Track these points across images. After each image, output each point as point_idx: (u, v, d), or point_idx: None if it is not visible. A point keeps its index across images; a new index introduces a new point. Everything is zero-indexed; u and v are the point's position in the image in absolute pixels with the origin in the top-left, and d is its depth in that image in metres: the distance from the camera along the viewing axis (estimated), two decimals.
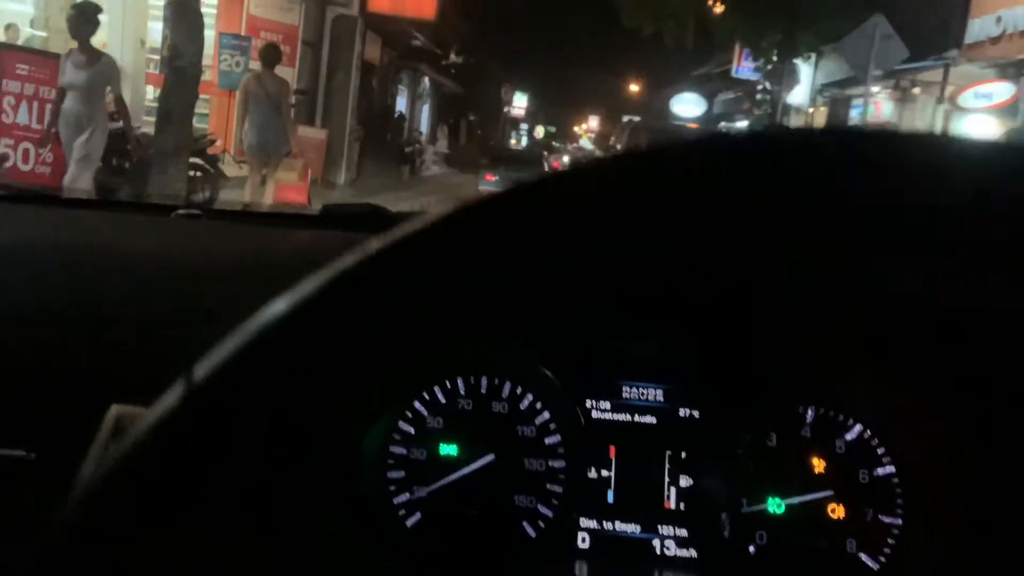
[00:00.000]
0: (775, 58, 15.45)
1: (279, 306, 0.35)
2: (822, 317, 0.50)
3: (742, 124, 22.62)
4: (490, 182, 15.62)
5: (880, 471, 0.72)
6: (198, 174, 7.81)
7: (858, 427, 0.73)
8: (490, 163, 16.75)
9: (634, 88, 46.67)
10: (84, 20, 5.61)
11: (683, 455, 0.74)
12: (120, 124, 7.26)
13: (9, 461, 0.58)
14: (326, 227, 1.12)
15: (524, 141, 47.89)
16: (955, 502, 0.64)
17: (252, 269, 0.81)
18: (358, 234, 0.85)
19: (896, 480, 0.71)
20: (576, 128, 78.57)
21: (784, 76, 14.09)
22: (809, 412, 0.74)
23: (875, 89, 14.12)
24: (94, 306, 0.72)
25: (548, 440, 0.74)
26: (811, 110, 15.97)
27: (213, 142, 7.83)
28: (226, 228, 1.11)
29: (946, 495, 0.66)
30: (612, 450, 0.74)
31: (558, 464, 0.73)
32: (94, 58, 5.65)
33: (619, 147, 9.80)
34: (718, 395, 0.74)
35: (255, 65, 11.55)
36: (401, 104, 21.34)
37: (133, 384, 0.55)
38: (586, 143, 75.26)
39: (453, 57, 28.83)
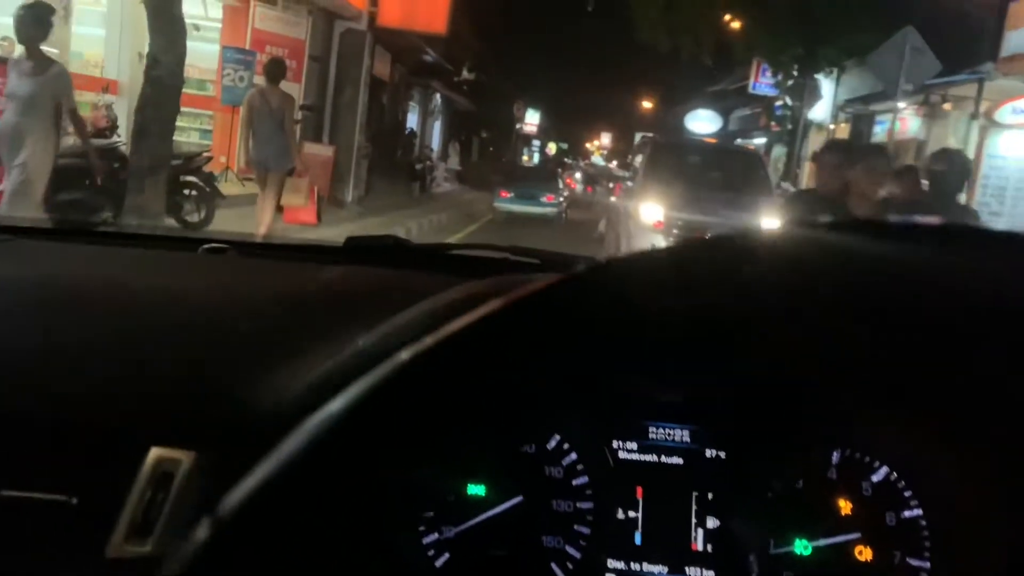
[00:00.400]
0: (795, 73, 14.96)
1: (366, 385, 0.37)
2: (847, 362, 0.45)
3: (759, 141, 22.09)
4: (505, 199, 15.56)
5: (907, 513, 0.70)
6: (193, 193, 7.36)
7: (884, 469, 0.71)
8: (505, 179, 16.46)
9: (647, 105, 46.30)
10: (35, 22, 4.90)
11: (710, 496, 0.71)
12: (110, 140, 6.88)
13: (50, 505, 0.56)
14: (350, 260, 1.14)
15: (536, 158, 47.65)
16: (983, 544, 0.63)
17: (283, 308, 0.82)
18: (382, 269, 1.06)
19: (924, 523, 0.69)
20: (588, 145, 78.37)
21: (806, 92, 13.57)
22: (835, 454, 0.73)
23: (901, 105, 13.57)
24: (129, 347, 0.70)
25: (576, 481, 0.73)
26: (832, 127, 15.43)
27: (209, 159, 7.37)
28: (254, 264, 1.11)
29: (974, 538, 0.64)
30: (639, 491, 0.72)
31: (586, 505, 0.72)
32: (43, 66, 4.88)
33: (636, 163, 9.35)
34: (744, 436, 0.73)
35: (260, 80, 11.18)
36: (412, 121, 20.97)
37: (172, 426, 0.56)
38: (598, 159, 75.16)
39: (465, 74, 28.55)
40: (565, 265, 1.13)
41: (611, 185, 24.75)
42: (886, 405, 0.63)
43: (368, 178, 14.14)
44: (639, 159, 8.43)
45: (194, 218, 7.32)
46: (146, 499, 0.54)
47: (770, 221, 6.81)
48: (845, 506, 0.71)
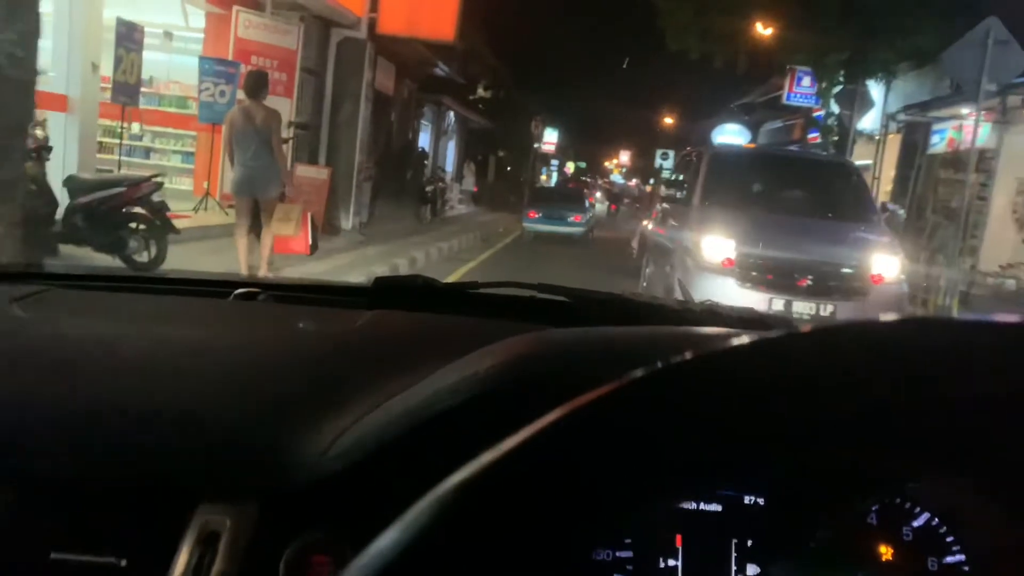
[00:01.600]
0: (842, 80, 13.45)
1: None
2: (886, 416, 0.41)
3: None
4: (533, 219, 15.64)
5: (949, 559, 0.66)
6: (140, 227, 5.99)
7: (926, 515, 0.68)
8: (532, 201, 16.71)
9: (668, 121, 44.79)
10: None
11: (749, 543, 0.68)
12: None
13: (98, 568, 0.56)
14: (379, 301, 1.11)
15: (555, 177, 46.46)
16: None
17: (318, 358, 0.81)
18: (412, 312, 1.04)
19: (967, 568, 0.65)
20: (607, 163, 77.06)
21: (856, 99, 12.05)
22: (875, 501, 0.70)
23: (965, 111, 11.99)
24: (169, 403, 0.68)
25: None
26: (877, 136, 13.86)
27: (159, 186, 5.99)
28: (285, 310, 1.08)
29: None
30: (679, 539, 0.68)
31: (625, 554, 0.68)
32: None
33: (675, 180, 7.94)
34: (783, 481, 0.69)
35: (241, 94, 9.86)
36: (424, 140, 19.67)
37: (217, 483, 0.55)
38: (617, 178, 73.90)
39: (480, 91, 27.32)
40: (595, 303, 1.10)
41: (636, 205, 23.34)
42: (931, 462, 0.54)
43: (372, 202, 12.77)
44: (684, 175, 6.91)
45: (143, 257, 5.95)
46: (194, 559, 0.53)
47: (884, 259, 5.18)
48: (886, 552, 0.67)
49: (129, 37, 7.89)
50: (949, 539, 0.66)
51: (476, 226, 17.02)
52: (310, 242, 8.09)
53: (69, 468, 0.60)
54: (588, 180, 44.31)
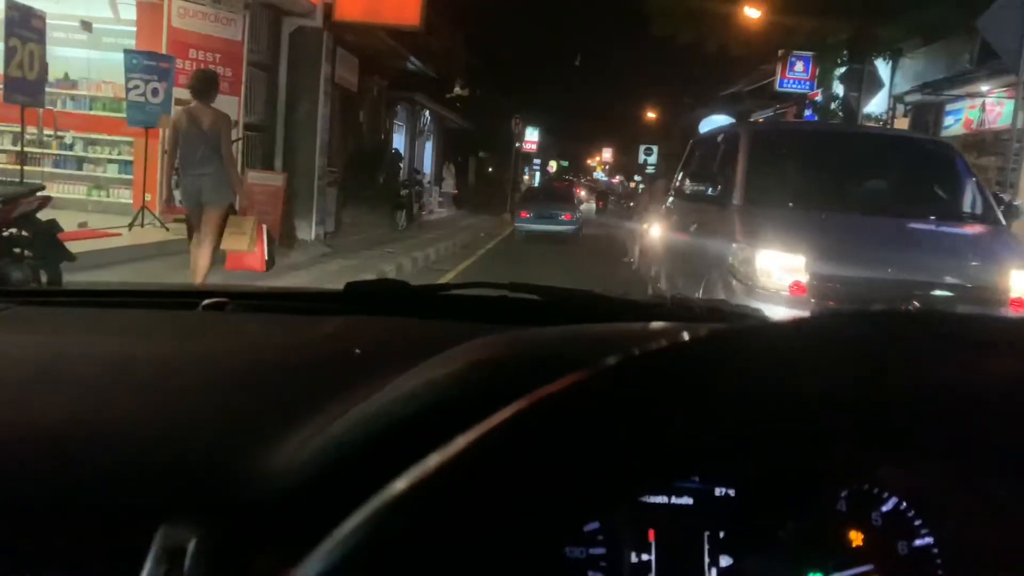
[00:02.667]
0: (843, 60, 12.32)
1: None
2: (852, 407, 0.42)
3: None
4: (525, 219, 15.67)
5: (919, 542, 0.67)
6: (25, 253, 4.71)
7: (894, 499, 0.68)
8: (524, 202, 16.89)
9: (651, 115, 43.66)
10: None
11: (722, 535, 0.67)
12: None
13: None
14: (351, 307, 1.10)
15: (537, 177, 45.36)
16: (997, 571, 0.61)
17: (286, 368, 0.79)
18: (382, 318, 1.02)
19: (936, 551, 0.66)
20: (589, 161, 76.06)
21: (864, 79, 10.92)
22: (844, 487, 0.70)
23: (984, 88, 10.86)
24: (131, 419, 0.66)
25: (588, 527, 0.68)
26: (884, 120, 12.72)
27: (42, 203, 4.71)
28: (253, 319, 1.06)
29: (987, 564, 0.62)
30: (652, 534, 0.67)
31: (598, 551, 0.67)
32: None
33: (685, 174, 6.77)
34: (751, 472, 0.69)
35: (182, 94, 8.56)
36: (398, 141, 18.38)
37: (180, 501, 0.54)
38: (600, 175, 72.92)
39: (458, 89, 26.06)
40: (567, 300, 1.10)
41: (627, 203, 21.99)
42: (900, 449, 0.54)
43: (339, 210, 11.50)
44: (711, 165, 5.39)
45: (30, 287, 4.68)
46: None
47: None
48: (856, 538, 0.67)
49: (24, 24, 6.57)
50: (917, 522, 0.66)
51: (456, 231, 15.77)
52: (266, 258, 6.99)
53: (26, 489, 0.57)
54: (571, 179, 43.27)
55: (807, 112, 17.53)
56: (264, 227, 7.13)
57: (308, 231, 10.05)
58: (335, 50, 10.38)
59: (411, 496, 0.32)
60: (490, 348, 0.67)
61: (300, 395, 0.67)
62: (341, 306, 1.10)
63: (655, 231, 6.97)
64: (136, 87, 7.97)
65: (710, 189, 4.56)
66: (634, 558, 0.67)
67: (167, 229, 8.13)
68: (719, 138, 5.48)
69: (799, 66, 17.70)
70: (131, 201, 9.10)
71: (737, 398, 0.35)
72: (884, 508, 0.68)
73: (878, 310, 0.39)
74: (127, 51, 8.05)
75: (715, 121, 24.51)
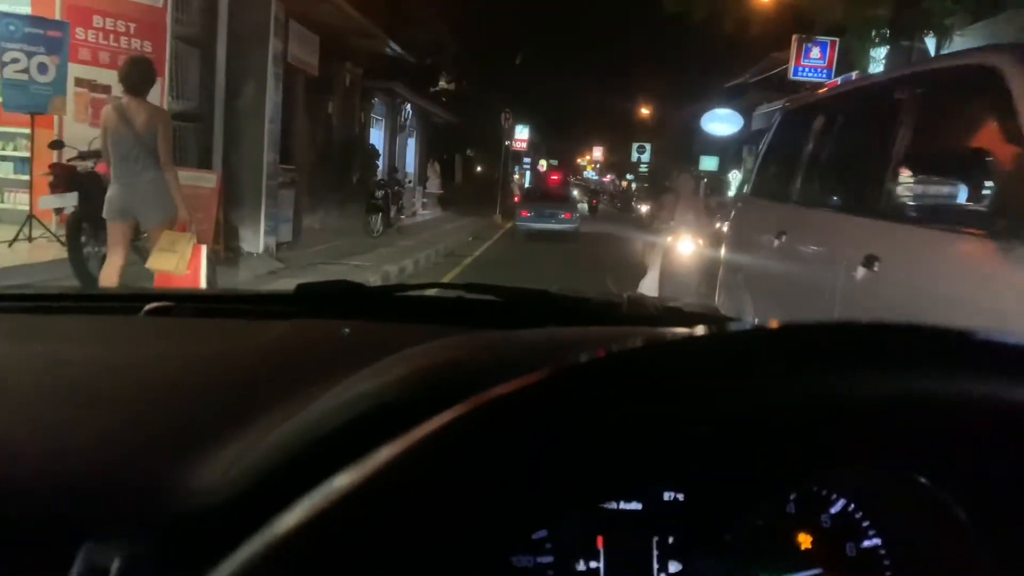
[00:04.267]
0: (883, 39, 10.53)
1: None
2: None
3: None
4: (526, 218, 15.83)
5: (867, 543, 0.66)
6: None
7: (842, 501, 0.67)
8: (524, 202, 17.10)
9: (644, 112, 41.85)
10: None
11: (671, 540, 0.66)
12: None
13: None
14: (302, 309, 1.05)
15: (528, 176, 43.67)
16: (943, 570, 0.62)
17: (225, 376, 0.76)
18: (334, 321, 0.95)
19: (883, 551, 0.66)
20: (580, 159, 74.31)
21: (914, 60, 9.14)
22: (793, 490, 0.70)
23: None
24: (59, 432, 0.63)
25: (535, 535, 0.66)
26: None
27: None
28: (198, 325, 1.01)
29: (935, 565, 0.62)
30: (600, 540, 0.65)
31: (546, 559, 0.65)
32: None
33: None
34: (700, 476, 0.67)
35: (82, 71, 6.67)
36: (377, 137, 16.49)
37: (105, 518, 0.51)
38: (591, 174, 71.20)
39: (443, 83, 24.18)
40: (526, 299, 1.07)
41: (641, 207, 19.86)
42: (848, 454, 0.56)
43: (298, 215, 9.64)
44: (846, 146, 3.33)
45: None
46: None
47: None
48: (805, 540, 0.66)
49: None
50: (865, 524, 0.66)
51: (440, 236, 13.92)
52: (203, 282, 5.58)
53: None
54: (562, 173, 41.66)
55: None
56: (204, 249, 5.73)
57: (255, 242, 8.20)
58: (287, 24, 8.52)
59: (332, 511, 0.31)
60: (439, 352, 0.65)
61: (239, 404, 0.64)
62: (292, 309, 1.05)
63: (693, 249, 5.14)
64: (16, 61, 6.09)
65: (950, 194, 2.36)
66: (583, 566, 0.64)
67: (62, 243, 6.28)
68: (903, 88, 2.97)
69: (815, 52, 15.93)
70: (27, 208, 7.22)
71: (686, 405, 0.35)
72: (833, 510, 0.66)
73: (829, 322, 0.39)
74: (3, 14, 6.16)
75: (719, 115, 22.80)
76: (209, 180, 7.24)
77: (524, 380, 0.34)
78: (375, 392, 0.55)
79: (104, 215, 4.86)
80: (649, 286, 5.38)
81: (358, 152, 13.59)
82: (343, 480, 0.32)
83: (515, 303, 1.07)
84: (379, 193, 12.49)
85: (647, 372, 0.36)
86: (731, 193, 16.88)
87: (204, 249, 6.14)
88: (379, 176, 14.13)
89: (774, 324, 0.39)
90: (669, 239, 5.55)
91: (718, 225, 5.85)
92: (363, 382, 0.58)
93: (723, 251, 4.09)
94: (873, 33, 10.51)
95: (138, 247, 6.43)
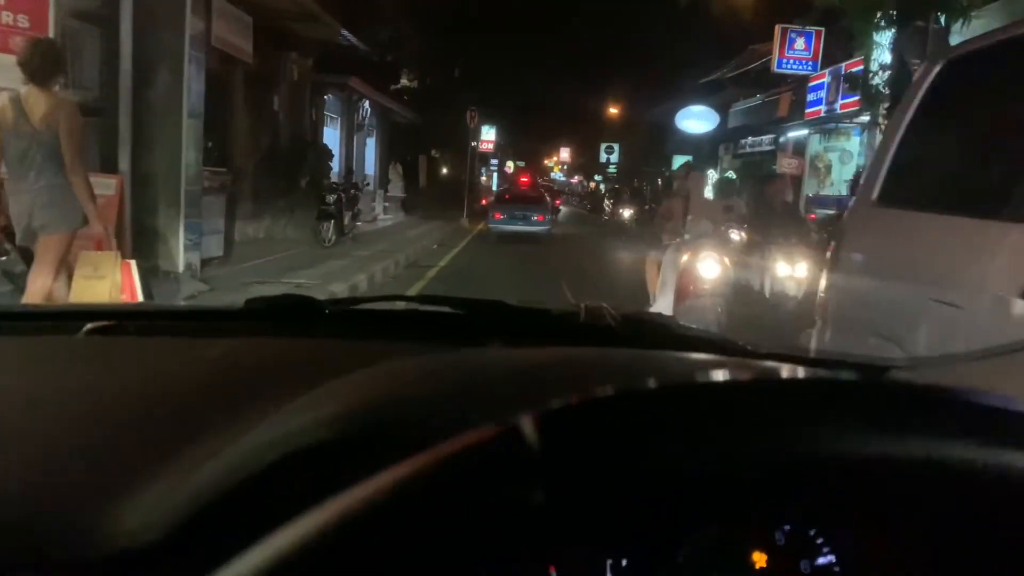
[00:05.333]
0: (889, 20, 9.48)
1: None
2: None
3: (785, 140, 16.65)
4: (499, 220, 15.74)
5: (822, 560, 0.65)
6: None
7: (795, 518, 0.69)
8: (497, 204, 16.95)
9: (613, 111, 40.74)
10: None
11: (624, 563, 0.63)
12: None
13: None
14: (251, 325, 1.03)
15: (495, 178, 42.47)
16: None
17: (163, 403, 0.70)
18: (284, 339, 0.94)
19: (838, 569, 0.65)
20: (546, 161, 73.28)
21: (930, 42, 8.08)
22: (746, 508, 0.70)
23: None
24: None
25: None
26: None
27: None
28: (142, 346, 0.95)
29: None
30: (552, 568, 0.63)
31: None
32: None
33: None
34: (651, 500, 0.65)
35: None
36: (332, 137, 15.08)
37: (19, 560, 0.47)
38: (558, 175, 70.27)
39: (405, 81, 22.79)
40: (477, 311, 1.03)
41: (623, 210, 18.53)
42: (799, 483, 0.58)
43: (231, 224, 8.25)
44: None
45: None
46: None
47: None
48: (760, 559, 0.64)
49: None
50: (819, 541, 0.65)
51: (402, 243, 12.57)
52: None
53: None
54: (532, 174, 40.50)
55: (810, 96, 14.76)
56: (133, 264, 5.05)
57: (173, 259, 6.79)
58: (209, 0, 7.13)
59: (270, 569, 0.30)
60: (369, 385, 0.62)
61: (174, 434, 0.60)
62: (240, 325, 1.03)
63: (719, 273, 3.88)
64: None
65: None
66: None
67: None
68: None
69: (799, 43, 14.94)
70: None
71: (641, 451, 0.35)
72: (786, 527, 0.66)
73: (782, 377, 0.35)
74: None
75: (694, 112, 21.69)
76: (107, 186, 5.83)
77: (468, 439, 0.33)
78: (306, 431, 0.51)
79: (18, 240, 4.12)
80: (664, 311, 4.13)
81: (308, 152, 12.18)
82: (267, 551, 0.30)
83: (470, 315, 1.03)
84: (331, 198, 11.10)
85: (601, 429, 0.35)
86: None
87: (134, 265, 5.17)
88: (333, 179, 12.74)
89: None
90: (684, 257, 4.27)
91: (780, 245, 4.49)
92: (294, 418, 0.54)
93: (830, 282, 2.70)
94: (878, 15, 9.43)
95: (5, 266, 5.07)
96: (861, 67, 10.78)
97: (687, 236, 4.34)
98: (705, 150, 21.94)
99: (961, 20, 8.79)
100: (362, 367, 0.65)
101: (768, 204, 5.12)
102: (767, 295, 4.58)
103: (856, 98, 11.65)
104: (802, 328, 3.04)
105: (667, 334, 0.99)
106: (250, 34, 8.17)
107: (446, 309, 1.01)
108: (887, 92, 9.18)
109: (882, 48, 9.80)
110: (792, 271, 4.48)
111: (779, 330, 4.38)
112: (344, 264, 9.25)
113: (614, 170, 40.11)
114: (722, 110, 20.82)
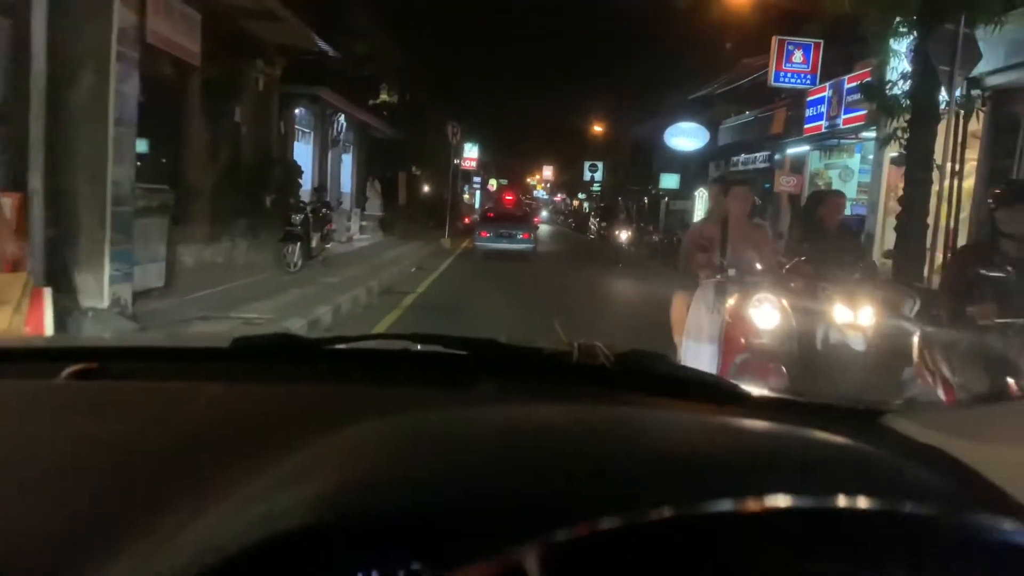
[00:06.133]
0: (904, 28, 8.63)
1: None
2: None
3: (781, 159, 15.81)
4: (485, 238, 15.98)
5: None
6: None
7: None
8: (482, 223, 17.34)
9: (597, 129, 39.98)
10: None
11: None
12: None
13: None
14: (238, 366, 1.00)
15: (478, 196, 41.60)
16: None
17: (144, 458, 0.66)
18: (270, 384, 0.90)
19: None
20: (529, 179, 72.55)
21: (961, 48, 7.21)
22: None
23: None
24: None
25: None
26: (955, 109, 8.96)
27: None
28: (120, 392, 0.89)
29: None
30: None
31: None
32: None
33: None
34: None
35: None
36: (304, 153, 14.03)
37: None
38: (541, 193, 69.47)
39: (384, 96, 21.81)
40: (473, 349, 0.99)
41: (618, 232, 17.49)
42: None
43: (171, 250, 7.15)
44: None
45: None
46: None
47: None
48: None
49: None
50: None
51: (376, 267, 11.50)
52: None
53: None
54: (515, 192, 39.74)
55: (809, 111, 13.93)
56: (46, 292, 4.63)
57: (97, 293, 5.69)
58: None
59: None
60: (359, 452, 0.58)
61: (149, 495, 0.57)
62: (226, 367, 1.00)
63: (781, 322, 2.87)
64: None
65: None
66: None
67: None
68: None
69: (798, 55, 14.14)
70: None
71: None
72: None
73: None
74: None
75: (683, 129, 20.83)
76: (2, 205, 4.76)
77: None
78: (288, 512, 0.48)
79: None
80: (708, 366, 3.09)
81: (274, 169, 11.13)
82: None
83: (463, 353, 0.99)
84: (297, 218, 10.04)
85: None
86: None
87: (48, 294, 4.63)
88: (302, 197, 11.68)
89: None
90: (730, 300, 3.24)
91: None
92: (277, 497, 0.51)
93: None
94: (896, 21, 8.57)
95: None
96: (870, 77, 9.91)
97: (731, 272, 3.29)
98: (694, 168, 21.12)
99: (994, 25, 7.91)
100: (352, 420, 0.62)
101: (820, 228, 4.06)
102: (818, 347, 3.56)
103: (861, 112, 10.78)
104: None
105: (660, 375, 0.95)
106: (197, 33, 7.13)
107: (439, 348, 0.99)
108: (906, 104, 8.28)
109: (899, 55, 8.94)
110: (855, 317, 3.45)
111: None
112: (307, 293, 8.17)
113: (598, 188, 39.28)
114: (711, 127, 20.01)
